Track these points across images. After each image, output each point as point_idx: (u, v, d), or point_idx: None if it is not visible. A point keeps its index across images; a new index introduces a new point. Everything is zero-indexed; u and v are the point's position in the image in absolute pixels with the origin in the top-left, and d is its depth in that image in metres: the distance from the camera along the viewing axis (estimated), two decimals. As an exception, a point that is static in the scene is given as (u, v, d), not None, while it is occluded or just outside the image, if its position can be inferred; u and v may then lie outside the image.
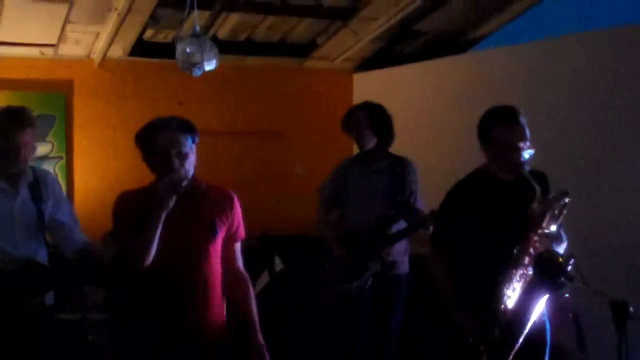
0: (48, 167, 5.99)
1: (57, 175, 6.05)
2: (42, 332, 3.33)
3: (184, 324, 2.99)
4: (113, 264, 3.38)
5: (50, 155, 6.08)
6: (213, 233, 3.05)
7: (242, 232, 3.22)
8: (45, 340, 3.34)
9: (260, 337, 3.12)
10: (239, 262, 3.23)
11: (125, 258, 3.02)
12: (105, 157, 6.28)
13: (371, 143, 4.53)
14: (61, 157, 6.13)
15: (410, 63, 6.57)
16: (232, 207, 3.15)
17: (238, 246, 3.22)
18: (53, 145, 6.09)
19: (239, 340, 3.11)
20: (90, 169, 6.25)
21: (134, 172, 6.08)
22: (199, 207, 3.05)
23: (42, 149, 5.99)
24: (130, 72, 6.36)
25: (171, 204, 2.93)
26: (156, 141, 2.99)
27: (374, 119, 4.54)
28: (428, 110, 6.24)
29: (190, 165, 3.04)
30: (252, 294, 3.21)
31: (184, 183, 2.93)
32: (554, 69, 5.15)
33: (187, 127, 3.06)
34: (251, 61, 6.70)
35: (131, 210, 2.99)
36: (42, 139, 5.99)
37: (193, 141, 3.07)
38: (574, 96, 4.96)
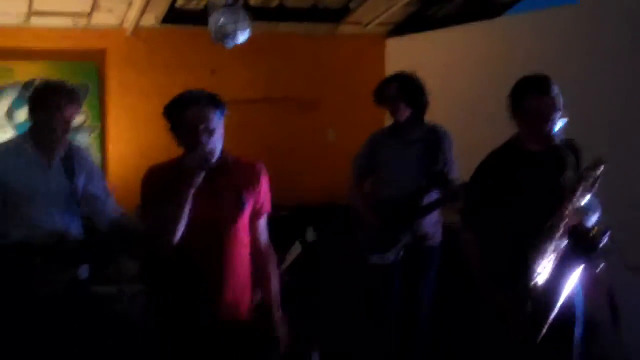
0: (83, 136, 6.06)
1: (92, 144, 6.12)
2: (76, 306, 3.38)
3: (211, 300, 2.99)
4: (142, 240, 3.39)
5: (85, 124, 6.13)
6: (241, 207, 3.04)
7: (267, 206, 3.19)
8: (79, 314, 3.39)
9: (278, 314, 3.10)
10: (264, 236, 3.20)
11: (153, 235, 3.02)
12: (138, 126, 6.31)
13: (405, 114, 4.49)
14: (96, 127, 6.18)
15: (444, 27, 6.48)
16: (258, 181, 3.12)
17: (264, 220, 3.20)
18: (87, 114, 6.14)
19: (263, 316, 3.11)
20: (125, 138, 6.30)
21: (168, 140, 6.20)
22: (226, 182, 3.03)
23: (77, 118, 6.02)
24: (162, 41, 6.35)
25: (199, 180, 2.91)
26: (185, 116, 2.97)
27: (406, 91, 4.48)
28: (462, 75, 6.14)
29: (218, 140, 3.02)
30: (275, 269, 3.19)
31: (212, 159, 2.92)
32: (586, 33, 5.04)
33: (215, 102, 3.05)
34: (283, 27, 6.65)
35: (159, 185, 2.98)
36: (77, 108, 6.03)
37: (221, 115, 3.05)
38: (608, 62, 4.84)
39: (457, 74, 6.17)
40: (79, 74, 6.10)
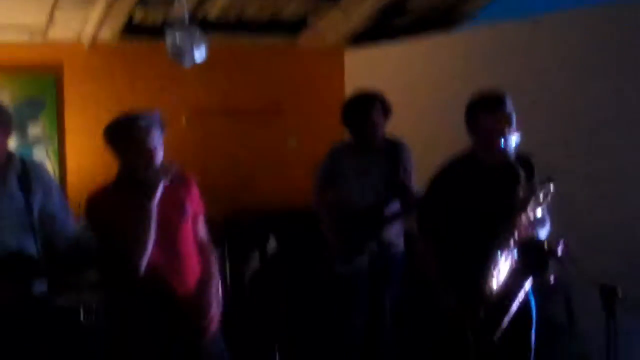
0: (40, 150, 6.00)
1: (50, 158, 6.06)
2: (32, 321, 3.33)
3: (170, 305, 3.16)
4: (104, 266, 3.42)
5: (42, 137, 6.07)
6: (184, 213, 3.27)
7: (202, 207, 3.45)
8: (35, 329, 3.34)
9: (207, 296, 3.29)
10: (202, 233, 3.45)
11: (123, 259, 3.10)
12: (98, 139, 6.20)
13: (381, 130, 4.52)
14: (52, 140, 6.13)
15: (404, 37, 6.53)
16: (193, 186, 3.41)
17: (202, 219, 3.46)
18: (44, 128, 6.08)
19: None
20: (83, 151, 6.23)
21: None
22: (170, 193, 3.20)
23: (34, 131, 5.99)
24: (120, 54, 6.33)
25: (159, 194, 3.05)
26: (132, 136, 3.15)
27: (385, 109, 4.54)
28: (422, 87, 6.22)
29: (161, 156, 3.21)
30: (213, 259, 3.44)
31: (169, 174, 3.12)
32: (547, 46, 5.14)
33: (158, 121, 3.24)
34: (242, 40, 6.67)
35: (111, 208, 3.11)
36: (34, 122, 6.00)
37: (162, 132, 3.26)
38: (568, 75, 4.95)
39: (417, 85, 6.23)
40: (37, 88, 6.06)
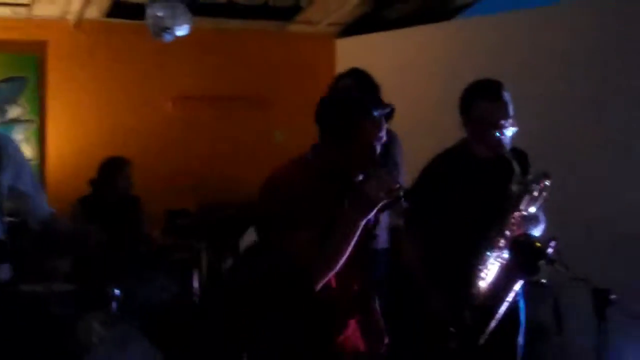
0: (19, 131, 5.85)
1: (29, 139, 5.91)
2: None
3: None
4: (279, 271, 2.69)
5: (22, 118, 5.92)
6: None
7: None
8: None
9: None
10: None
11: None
12: (79, 121, 6.13)
13: None
14: (33, 121, 5.96)
15: (396, 29, 6.41)
16: None
17: None
18: (25, 108, 5.92)
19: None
20: (63, 134, 6.10)
21: (108, 138, 6.10)
22: None
23: (13, 112, 5.84)
24: (106, 34, 6.19)
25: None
26: (366, 126, 2.55)
27: (361, 87, 4.39)
28: (414, 78, 6.08)
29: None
30: None
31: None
32: (544, 38, 5.02)
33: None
34: (232, 24, 6.52)
35: (311, 200, 2.49)
36: (14, 101, 5.84)
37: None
38: (564, 67, 4.83)
39: (408, 76, 6.09)
40: (18, 67, 5.90)
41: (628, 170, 4.52)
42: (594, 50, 4.69)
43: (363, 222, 2.49)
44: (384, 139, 2.63)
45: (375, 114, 2.56)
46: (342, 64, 6.42)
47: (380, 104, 2.63)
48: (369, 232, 2.69)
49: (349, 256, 2.47)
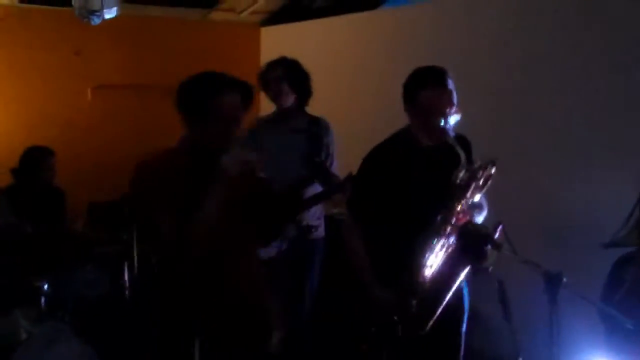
0: None
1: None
2: None
3: None
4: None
5: None
6: None
7: None
8: None
9: None
10: None
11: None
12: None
13: (289, 100, 4.36)
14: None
15: (320, 18, 6.38)
16: None
17: None
18: None
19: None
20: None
21: (28, 127, 5.86)
22: None
23: None
24: (21, 20, 5.93)
25: None
26: (219, 103, 2.72)
27: (291, 75, 4.36)
28: (341, 67, 6.07)
29: None
30: None
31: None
32: (470, 24, 5.06)
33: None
34: (153, 11, 6.36)
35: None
36: None
37: None
38: (495, 54, 4.88)
39: (336, 65, 6.08)
40: None
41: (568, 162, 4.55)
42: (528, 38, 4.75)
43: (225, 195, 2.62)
44: (240, 119, 2.76)
45: (228, 91, 2.71)
46: (267, 53, 6.37)
47: (233, 82, 2.77)
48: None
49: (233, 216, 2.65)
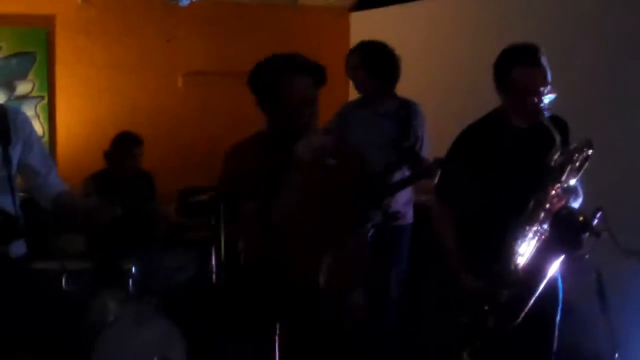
0: (29, 107, 5.73)
1: (38, 116, 5.78)
2: (8, 285, 3.04)
3: None
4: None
5: (31, 94, 5.80)
6: None
7: None
8: (11, 294, 3.05)
9: None
10: None
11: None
12: (89, 96, 6.01)
13: (366, 85, 4.29)
14: (42, 97, 5.84)
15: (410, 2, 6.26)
16: None
17: None
18: (34, 84, 5.79)
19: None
20: (74, 110, 5.98)
21: (119, 114, 5.97)
22: None
23: (22, 87, 5.72)
24: (115, 7, 6.05)
25: None
26: (289, 86, 2.68)
27: (368, 60, 4.27)
28: (431, 50, 5.94)
29: None
30: None
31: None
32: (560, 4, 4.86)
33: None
34: (243, -2, 6.38)
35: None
36: (23, 77, 5.71)
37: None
38: (587, 36, 4.66)
39: (426, 48, 5.95)
40: (27, 41, 5.76)
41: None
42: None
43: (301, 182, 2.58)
44: (312, 102, 2.69)
45: (298, 74, 2.64)
46: (357, 39, 6.29)
47: (305, 64, 2.70)
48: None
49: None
